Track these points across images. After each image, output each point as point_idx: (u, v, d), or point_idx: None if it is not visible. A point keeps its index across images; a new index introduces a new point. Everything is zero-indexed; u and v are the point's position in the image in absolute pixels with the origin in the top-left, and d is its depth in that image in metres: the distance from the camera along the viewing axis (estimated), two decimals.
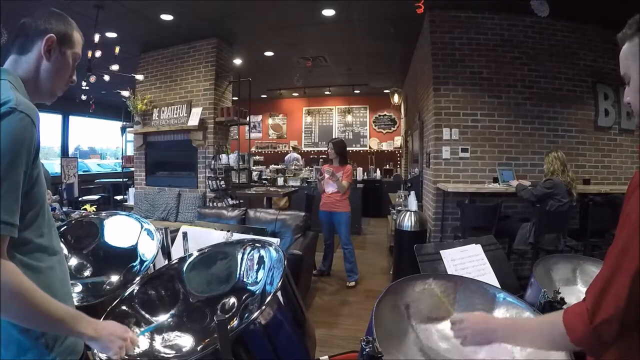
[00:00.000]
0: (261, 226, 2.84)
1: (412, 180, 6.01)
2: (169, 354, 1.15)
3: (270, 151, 10.43)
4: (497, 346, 0.93)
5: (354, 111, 10.04)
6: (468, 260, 1.50)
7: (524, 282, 1.50)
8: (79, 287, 1.55)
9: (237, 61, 6.44)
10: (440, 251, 1.50)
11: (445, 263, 1.46)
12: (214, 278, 1.36)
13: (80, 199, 6.71)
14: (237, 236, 1.73)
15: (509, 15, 4.25)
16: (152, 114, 5.71)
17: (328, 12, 4.60)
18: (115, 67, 4.65)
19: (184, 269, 1.38)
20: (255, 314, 0.96)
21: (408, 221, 3.87)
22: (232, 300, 1.29)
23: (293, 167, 7.85)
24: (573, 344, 0.72)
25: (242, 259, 1.35)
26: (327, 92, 9.48)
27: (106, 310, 1.18)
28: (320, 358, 1.32)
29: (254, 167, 8.07)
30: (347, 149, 4.40)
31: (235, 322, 1.19)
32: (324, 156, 8.34)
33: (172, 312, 1.28)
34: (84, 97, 5.43)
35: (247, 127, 6.03)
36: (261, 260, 1.30)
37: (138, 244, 1.70)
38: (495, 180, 4.12)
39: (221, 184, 5.21)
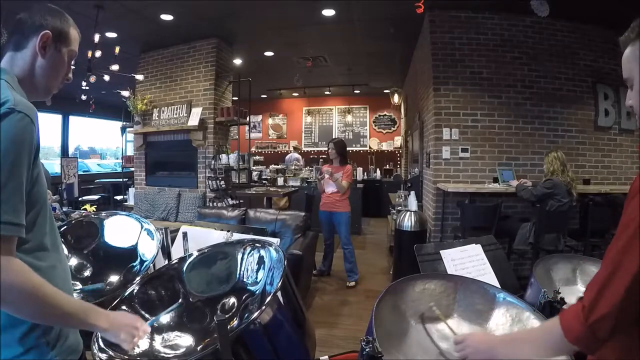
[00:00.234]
0: (261, 226, 2.84)
1: (412, 180, 6.01)
2: (169, 354, 1.15)
3: (270, 151, 10.43)
4: None
5: (354, 111, 10.04)
6: (468, 260, 1.50)
7: (524, 282, 1.50)
8: (78, 287, 1.54)
9: (237, 61, 6.44)
10: (440, 251, 1.50)
11: (445, 263, 1.46)
12: (214, 278, 1.36)
13: (80, 199, 6.71)
14: (237, 236, 1.74)
15: (509, 15, 4.25)
16: (152, 114, 5.71)
17: (328, 12, 4.60)
18: (115, 67, 4.65)
19: (184, 269, 1.38)
20: (255, 314, 0.96)
21: (408, 221, 3.88)
22: (232, 300, 1.28)
23: (293, 167, 7.85)
24: (571, 344, 0.73)
25: (242, 259, 1.35)
26: (327, 92, 9.48)
27: None
28: (320, 358, 1.32)
29: (254, 167, 8.06)
30: (347, 149, 4.41)
31: (235, 322, 1.19)
32: (324, 156, 8.33)
33: (172, 312, 1.28)
34: (84, 97, 5.42)
35: (247, 127, 6.03)
36: (261, 260, 1.30)
37: (138, 244, 1.70)
38: (495, 180, 4.12)
39: (221, 184, 5.21)
